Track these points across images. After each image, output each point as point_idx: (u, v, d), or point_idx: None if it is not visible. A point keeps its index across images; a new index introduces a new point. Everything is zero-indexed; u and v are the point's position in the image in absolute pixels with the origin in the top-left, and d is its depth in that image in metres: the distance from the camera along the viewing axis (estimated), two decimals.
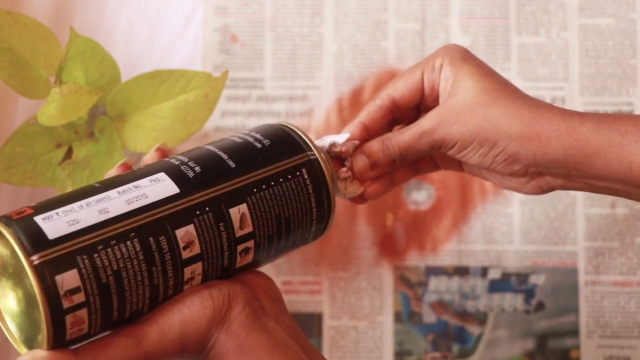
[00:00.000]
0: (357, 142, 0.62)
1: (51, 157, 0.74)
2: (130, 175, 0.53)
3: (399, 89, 0.63)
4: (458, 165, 0.66)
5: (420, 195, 0.84)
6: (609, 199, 0.83)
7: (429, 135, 0.61)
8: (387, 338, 0.83)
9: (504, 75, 0.62)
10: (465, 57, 0.62)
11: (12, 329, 0.51)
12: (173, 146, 0.72)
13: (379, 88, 0.86)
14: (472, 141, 0.60)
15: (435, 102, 0.63)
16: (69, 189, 0.73)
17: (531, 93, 0.85)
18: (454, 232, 0.84)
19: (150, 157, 0.57)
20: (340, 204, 0.73)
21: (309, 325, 0.83)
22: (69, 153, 0.74)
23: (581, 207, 0.83)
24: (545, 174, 0.61)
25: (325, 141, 0.62)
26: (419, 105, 0.65)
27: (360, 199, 0.64)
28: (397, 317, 0.83)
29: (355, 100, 0.86)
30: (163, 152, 0.57)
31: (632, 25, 0.86)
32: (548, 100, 0.85)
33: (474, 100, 0.60)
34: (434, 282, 0.83)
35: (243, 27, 0.87)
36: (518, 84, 0.85)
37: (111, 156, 0.72)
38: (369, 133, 0.63)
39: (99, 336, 0.50)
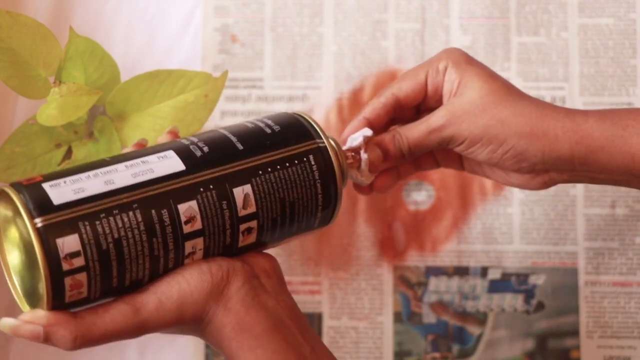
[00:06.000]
0: (371, 133, 0.63)
1: (51, 157, 0.74)
2: (140, 151, 0.55)
3: (403, 89, 0.65)
4: (459, 163, 0.67)
5: (420, 195, 0.84)
6: (609, 199, 0.83)
7: (438, 132, 0.62)
8: (387, 338, 0.83)
9: (504, 75, 0.63)
10: (468, 60, 0.64)
11: (18, 286, 0.53)
12: None
13: (378, 88, 0.86)
14: (481, 138, 0.62)
15: (437, 103, 0.65)
16: None
17: (531, 93, 0.85)
18: (453, 232, 0.84)
19: (162, 139, 0.59)
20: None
21: None
22: (69, 153, 0.74)
23: (581, 207, 0.83)
24: (550, 170, 0.63)
25: (358, 139, 0.63)
26: (419, 106, 0.66)
27: (369, 189, 0.65)
28: (397, 318, 0.83)
29: (355, 100, 0.86)
30: (175, 135, 0.60)
31: (632, 25, 0.85)
32: (548, 100, 0.85)
33: (481, 100, 0.62)
34: (434, 283, 0.83)
35: (243, 27, 0.87)
36: (518, 84, 0.85)
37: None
38: (372, 129, 0.64)
39: (99, 302, 0.52)
